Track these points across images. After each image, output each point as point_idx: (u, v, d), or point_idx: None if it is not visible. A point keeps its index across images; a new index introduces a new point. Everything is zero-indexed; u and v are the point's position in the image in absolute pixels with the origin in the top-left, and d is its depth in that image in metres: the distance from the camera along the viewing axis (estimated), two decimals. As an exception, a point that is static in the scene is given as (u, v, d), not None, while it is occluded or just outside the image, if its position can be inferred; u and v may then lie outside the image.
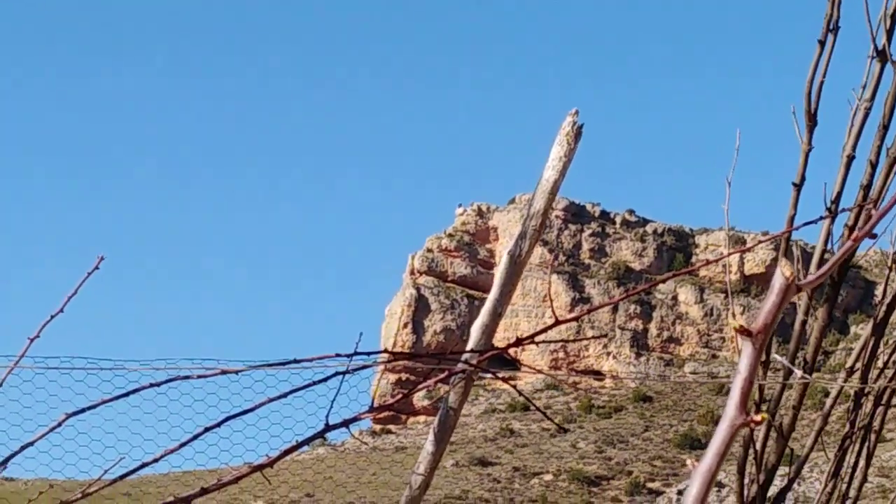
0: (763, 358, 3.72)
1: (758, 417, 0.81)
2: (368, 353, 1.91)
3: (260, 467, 2.09)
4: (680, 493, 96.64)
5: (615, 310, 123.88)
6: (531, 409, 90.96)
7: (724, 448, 0.79)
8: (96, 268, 1.94)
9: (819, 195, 3.72)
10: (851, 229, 3.43)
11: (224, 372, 2.07)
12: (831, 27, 3.00)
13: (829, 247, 3.45)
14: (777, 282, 0.81)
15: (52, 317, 1.91)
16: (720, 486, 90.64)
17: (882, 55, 3.12)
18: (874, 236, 0.84)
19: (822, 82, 3.12)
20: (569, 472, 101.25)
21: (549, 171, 3.25)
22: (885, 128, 3.28)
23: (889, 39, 3.02)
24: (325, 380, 1.82)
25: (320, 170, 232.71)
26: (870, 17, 2.87)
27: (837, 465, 4.40)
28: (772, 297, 0.80)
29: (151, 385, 1.90)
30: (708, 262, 1.95)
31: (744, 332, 0.81)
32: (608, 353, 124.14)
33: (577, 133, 3.24)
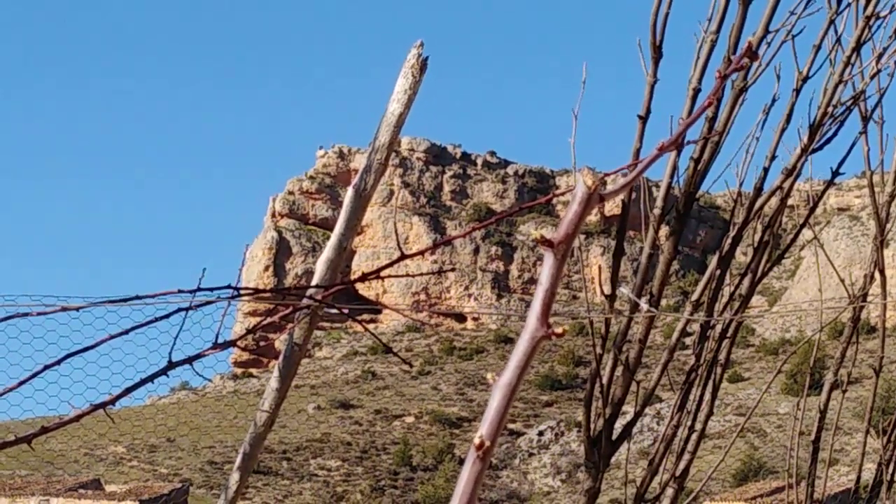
0: (608, 292, 3.79)
1: (559, 330, 0.80)
2: (211, 289, 1.88)
3: (102, 405, 2.05)
4: (541, 433, 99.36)
5: (476, 252, 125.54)
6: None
7: (524, 361, 0.78)
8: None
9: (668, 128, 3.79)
10: (697, 161, 3.51)
11: (64, 309, 2.03)
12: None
13: (674, 179, 3.52)
14: (579, 191, 0.80)
15: None
16: (579, 426, 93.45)
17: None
18: (681, 146, 0.84)
19: (667, 13, 3.16)
20: (430, 414, 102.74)
21: (394, 104, 3.23)
22: (730, 60, 3.35)
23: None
24: (167, 316, 1.79)
25: (179, 105, 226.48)
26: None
27: (683, 398, 4.55)
28: (573, 207, 0.79)
29: (-12, 322, 1.88)
30: (553, 196, 1.95)
31: (545, 242, 0.79)
32: (469, 295, 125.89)
33: (423, 66, 3.22)
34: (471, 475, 0.74)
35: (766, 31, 3.30)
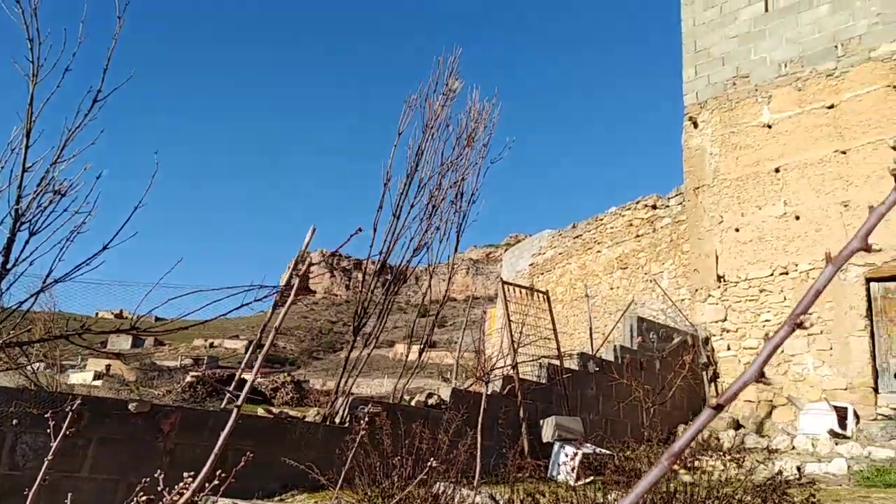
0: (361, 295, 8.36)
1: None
2: (261, 286, 6.18)
3: (206, 321, 6.38)
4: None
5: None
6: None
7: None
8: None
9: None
10: (384, 254, 8.15)
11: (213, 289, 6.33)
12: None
13: (380, 257, 8.17)
14: (317, 266, 5.61)
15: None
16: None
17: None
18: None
19: (392, 183, 7.81)
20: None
21: (304, 244, 7.64)
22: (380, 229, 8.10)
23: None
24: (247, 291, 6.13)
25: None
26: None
27: (353, 344, 9.10)
28: (308, 270, 5.60)
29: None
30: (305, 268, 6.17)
31: (306, 291, 5.58)
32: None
33: (313, 231, 7.66)
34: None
35: (396, 206, 8.02)
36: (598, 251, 18.62)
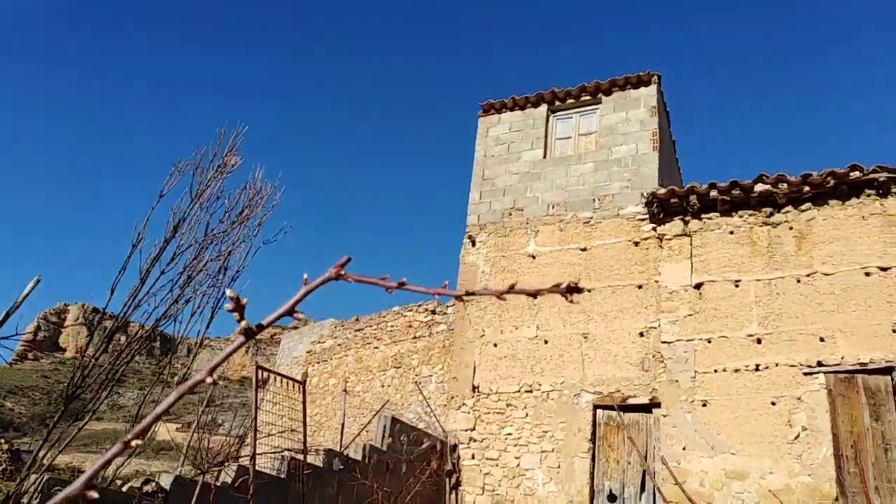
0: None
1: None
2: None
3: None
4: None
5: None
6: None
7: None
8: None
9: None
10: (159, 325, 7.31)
11: None
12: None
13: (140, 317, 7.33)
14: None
15: None
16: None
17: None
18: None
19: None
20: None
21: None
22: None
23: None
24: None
25: None
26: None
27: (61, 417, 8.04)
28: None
29: None
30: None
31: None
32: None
33: (37, 281, 6.65)
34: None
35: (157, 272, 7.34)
36: (377, 347, 18.60)
